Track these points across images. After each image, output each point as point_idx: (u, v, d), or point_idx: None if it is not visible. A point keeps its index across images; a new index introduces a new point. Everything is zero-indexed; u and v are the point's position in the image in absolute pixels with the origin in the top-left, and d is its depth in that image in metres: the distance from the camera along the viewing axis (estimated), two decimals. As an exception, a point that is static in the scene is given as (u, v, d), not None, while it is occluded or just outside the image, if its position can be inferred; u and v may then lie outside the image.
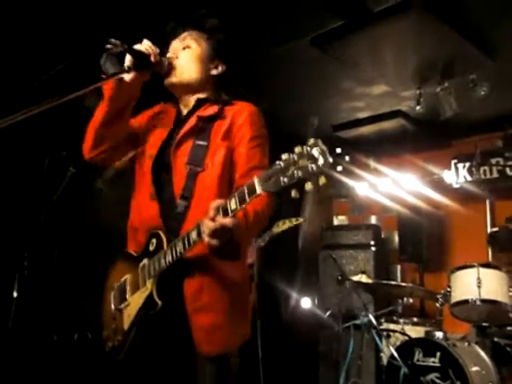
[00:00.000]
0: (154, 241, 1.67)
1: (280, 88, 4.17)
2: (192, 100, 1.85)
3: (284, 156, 1.31)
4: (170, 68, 1.79)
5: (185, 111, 1.86)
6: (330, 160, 1.27)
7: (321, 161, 1.25)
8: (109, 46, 1.64)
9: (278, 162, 1.31)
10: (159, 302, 1.58)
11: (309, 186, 1.28)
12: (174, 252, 1.57)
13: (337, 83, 4.20)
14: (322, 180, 1.27)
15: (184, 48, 1.84)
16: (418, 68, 3.86)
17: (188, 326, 1.60)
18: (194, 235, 1.51)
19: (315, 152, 1.26)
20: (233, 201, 1.42)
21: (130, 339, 1.66)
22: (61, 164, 3.20)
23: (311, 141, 1.28)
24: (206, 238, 1.46)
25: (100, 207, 3.87)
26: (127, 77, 1.70)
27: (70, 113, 2.77)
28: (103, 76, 1.65)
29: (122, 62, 1.67)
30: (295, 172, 1.27)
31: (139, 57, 1.70)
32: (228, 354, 1.65)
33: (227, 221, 1.43)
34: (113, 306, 1.77)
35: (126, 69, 1.68)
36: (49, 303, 3.51)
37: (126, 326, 1.69)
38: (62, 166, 3.15)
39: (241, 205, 1.40)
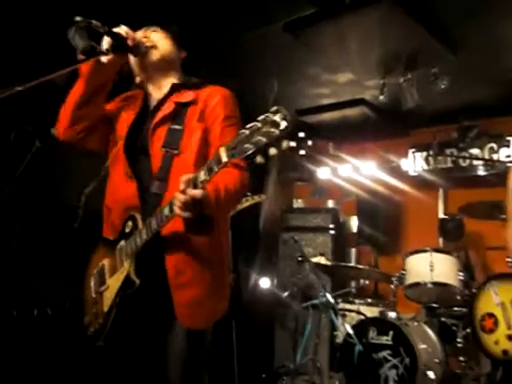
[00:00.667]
0: (130, 223, 1.70)
1: (249, 72, 4.20)
2: (166, 84, 1.87)
3: (248, 125, 1.37)
4: (147, 50, 1.82)
5: (157, 95, 1.88)
6: (292, 124, 1.33)
7: (283, 125, 1.31)
8: (77, 19, 1.65)
9: (242, 131, 1.37)
10: (137, 281, 1.62)
11: (273, 151, 1.34)
12: (148, 230, 1.61)
13: (304, 69, 4.26)
14: (285, 144, 1.34)
15: (152, 31, 1.87)
16: (382, 59, 3.97)
17: (170, 302, 1.65)
18: (166, 211, 1.56)
19: (277, 117, 1.32)
20: (202, 172, 1.47)
21: (111, 321, 1.69)
22: (27, 138, 3.15)
23: (273, 108, 1.34)
24: (177, 211, 1.50)
25: (66, 182, 3.83)
26: (105, 59, 1.72)
27: (37, 87, 2.72)
28: (82, 57, 1.66)
29: (91, 36, 1.68)
30: (259, 138, 1.33)
31: (117, 39, 1.73)
32: (207, 328, 1.72)
33: (197, 192, 1.48)
34: (93, 291, 1.80)
35: (105, 51, 1.70)
36: (8, 278, 3.47)
37: (105, 308, 1.72)
38: (28, 141, 3.10)
39: (209, 175, 1.46)
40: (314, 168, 5.87)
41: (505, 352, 2.14)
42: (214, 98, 1.81)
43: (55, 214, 3.73)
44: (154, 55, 1.83)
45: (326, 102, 5.02)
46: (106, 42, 1.72)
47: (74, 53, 1.68)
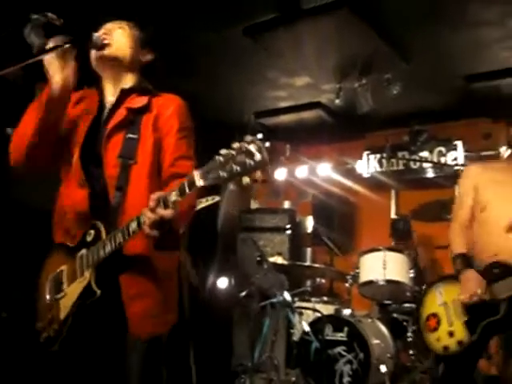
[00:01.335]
0: (93, 232, 1.69)
1: (209, 74, 4.24)
2: (119, 85, 1.86)
3: (223, 151, 1.38)
4: (104, 44, 1.81)
5: (110, 97, 1.86)
6: (267, 157, 1.35)
7: (258, 157, 1.33)
8: (33, 16, 1.64)
9: (217, 157, 1.38)
10: (98, 291, 1.62)
11: (246, 180, 1.37)
12: (113, 243, 1.61)
13: (263, 72, 4.34)
14: (258, 174, 1.37)
15: (118, 28, 1.86)
16: (339, 64, 4.10)
17: (123, 313, 1.65)
18: (133, 226, 1.56)
19: (253, 148, 1.34)
20: (173, 193, 1.48)
21: (66, 329, 1.67)
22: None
23: (249, 138, 1.36)
24: (146, 229, 1.51)
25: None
26: (57, 90, 1.68)
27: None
28: (38, 54, 1.65)
29: (47, 33, 1.66)
30: (234, 167, 1.34)
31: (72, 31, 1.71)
32: (159, 337, 1.73)
33: (167, 212, 1.48)
34: (48, 297, 1.76)
35: (60, 43, 1.67)
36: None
37: (62, 315, 1.70)
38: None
39: (181, 196, 1.47)
40: (271, 169, 5.96)
41: (445, 348, 2.26)
42: (169, 108, 1.81)
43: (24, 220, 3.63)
44: (108, 52, 1.81)
45: (283, 104, 5.12)
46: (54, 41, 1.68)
47: (30, 49, 1.66)
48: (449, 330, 2.28)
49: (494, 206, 2.33)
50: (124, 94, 1.85)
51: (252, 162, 1.33)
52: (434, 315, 2.36)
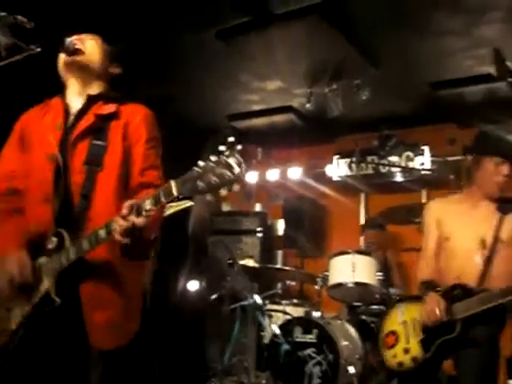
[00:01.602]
0: (55, 239, 1.65)
1: (183, 77, 4.23)
2: (84, 93, 1.84)
3: (201, 163, 1.38)
4: (76, 50, 1.80)
5: (76, 104, 1.84)
6: (245, 170, 1.36)
7: (237, 170, 1.34)
8: (1, 14, 1.62)
9: (195, 168, 1.38)
10: (57, 300, 1.59)
11: (223, 192, 1.37)
12: (78, 250, 1.59)
13: (235, 76, 4.36)
14: (236, 187, 1.37)
15: (90, 39, 1.87)
16: (309, 69, 4.16)
17: (82, 324, 1.62)
18: (102, 233, 1.54)
19: (232, 161, 1.35)
20: (147, 201, 1.47)
21: (18, 338, 1.63)
22: None
23: (228, 151, 1.37)
24: (118, 237, 1.49)
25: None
26: None
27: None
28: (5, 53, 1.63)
29: (16, 34, 1.65)
30: (212, 178, 1.35)
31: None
32: (119, 349, 1.69)
33: (140, 220, 1.47)
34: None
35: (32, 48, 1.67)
36: None
37: (13, 325, 1.65)
38: None
39: (156, 205, 1.47)
40: (242, 172, 5.98)
41: (400, 364, 2.33)
42: (137, 117, 1.82)
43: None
44: (80, 59, 1.81)
45: (255, 108, 5.15)
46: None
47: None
48: (405, 347, 2.35)
49: (457, 235, 2.41)
50: (91, 101, 1.84)
51: (231, 175, 1.34)
52: (393, 333, 2.43)
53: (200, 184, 1.37)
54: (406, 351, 2.33)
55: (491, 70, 1.79)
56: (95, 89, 1.87)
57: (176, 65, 4.02)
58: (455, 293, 2.29)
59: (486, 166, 2.35)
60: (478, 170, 2.38)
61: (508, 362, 3.18)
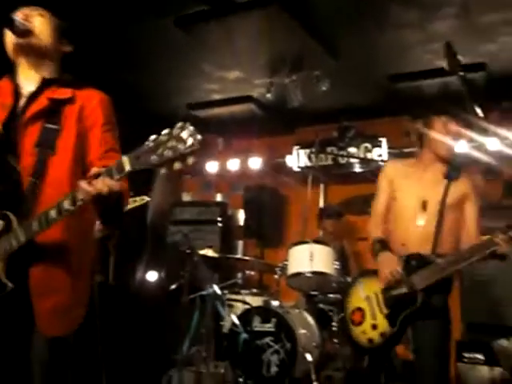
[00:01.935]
0: (1, 222, 1.60)
1: (142, 63, 4.17)
2: (38, 76, 1.79)
3: (153, 137, 1.36)
4: (26, 30, 1.73)
5: (27, 86, 1.78)
6: (199, 141, 1.34)
7: (189, 142, 1.33)
8: None
9: (146, 143, 1.36)
10: (9, 284, 1.55)
11: (177, 165, 1.35)
12: (28, 232, 1.55)
13: (196, 65, 4.32)
14: (190, 160, 1.36)
15: (38, 15, 1.79)
16: (270, 59, 4.16)
17: (30, 309, 1.59)
18: (53, 214, 1.49)
19: (184, 134, 1.33)
20: (100, 177, 1.44)
21: None
22: None
23: (180, 123, 1.35)
24: (86, 195, 1.44)
25: None
26: None
27: None
28: None
29: None
30: (165, 152, 1.33)
31: None
32: (67, 335, 1.67)
33: (115, 183, 1.43)
34: None
35: None
36: None
37: None
38: None
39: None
40: (202, 162, 5.95)
41: (370, 340, 2.37)
42: (93, 101, 1.77)
43: None
44: (29, 41, 1.74)
45: (216, 97, 5.12)
46: None
47: None
48: (372, 323, 2.38)
49: (403, 196, 2.47)
50: (45, 84, 1.78)
51: (183, 147, 1.33)
52: (359, 309, 2.45)
53: (153, 157, 1.35)
54: (374, 327, 2.36)
55: (443, 64, 1.84)
56: (48, 70, 1.81)
57: (136, 51, 3.94)
58: (412, 263, 2.33)
59: (435, 126, 2.43)
60: (427, 131, 2.46)
61: (457, 345, 3.30)
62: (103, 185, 1.43)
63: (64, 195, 1.52)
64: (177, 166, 1.36)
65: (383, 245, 2.44)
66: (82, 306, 1.72)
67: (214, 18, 3.40)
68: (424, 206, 2.38)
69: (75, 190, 1.49)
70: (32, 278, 1.60)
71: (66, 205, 1.50)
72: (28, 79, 1.79)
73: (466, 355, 3.09)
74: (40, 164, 1.66)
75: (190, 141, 1.33)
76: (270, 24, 3.48)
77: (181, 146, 1.33)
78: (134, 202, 3.89)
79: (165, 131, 1.36)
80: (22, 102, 1.76)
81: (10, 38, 1.76)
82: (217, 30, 3.56)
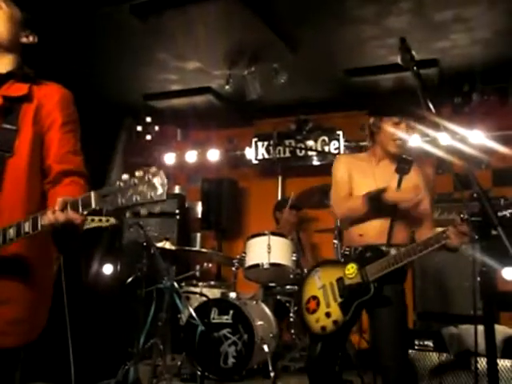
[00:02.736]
0: None
1: (98, 52, 4.06)
2: None
3: (124, 177, 1.33)
4: None
5: None
6: (165, 193, 1.31)
7: (159, 191, 1.30)
8: None
9: (118, 182, 1.33)
10: None
11: (144, 212, 1.36)
12: None
13: (153, 54, 4.24)
14: (157, 208, 1.36)
15: None
16: (228, 50, 4.13)
17: None
18: (11, 233, 1.47)
19: (156, 181, 1.31)
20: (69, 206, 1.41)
21: None
22: None
23: (153, 169, 1.32)
24: (52, 223, 1.42)
25: None
26: None
27: None
28: None
29: None
30: (134, 196, 1.31)
31: None
32: (18, 347, 1.61)
33: (77, 216, 1.41)
34: None
35: None
36: None
37: None
38: None
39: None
40: (160, 153, 5.88)
41: (323, 328, 2.42)
42: (52, 99, 1.69)
43: None
44: None
45: (174, 88, 5.06)
46: None
47: None
48: (326, 311, 2.43)
49: (359, 192, 2.52)
50: (1, 80, 1.69)
51: (153, 195, 1.30)
52: (314, 297, 2.49)
53: (121, 200, 1.32)
54: (328, 315, 2.41)
55: (398, 59, 1.88)
56: (5, 65, 1.72)
57: (91, 39, 3.83)
58: (367, 255, 2.40)
59: (385, 127, 2.49)
60: (379, 130, 2.52)
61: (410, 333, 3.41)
62: (67, 218, 1.41)
63: (25, 216, 1.48)
64: (142, 211, 1.35)
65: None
66: (42, 316, 1.67)
67: (171, 7, 3.34)
68: None
69: (38, 213, 1.45)
70: None
71: (27, 227, 1.47)
72: None
73: (417, 342, 3.20)
74: None
75: (160, 190, 1.30)
76: (229, 15, 3.45)
77: (150, 193, 1.31)
78: (98, 222, 3.60)
79: (138, 173, 1.33)
80: None
81: None
82: (174, 19, 3.51)
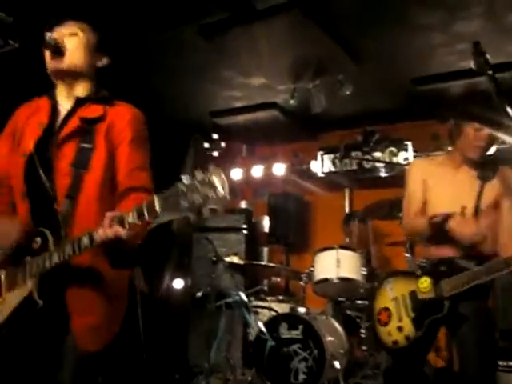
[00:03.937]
0: (39, 240, 1.64)
1: (165, 73, 4.21)
2: (73, 94, 1.83)
3: (186, 180, 1.36)
4: (59, 47, 1.77)
5: (65, 104, 1.83)
6: (228, 191, 1.33)
7: (220, 191, 1.32)
8: None
9: (179, 185, 1.35)
10: (40, 302, 1.58)
11: (206, 212, 1.35)
12: (61, 254, 1.57)
13: (218, 72, 4.34)
14: (220, 208, 1.37)
15: (70, 35, 1.82)
16: (292, 65, 4.15)
17: (67, 327, 1.62)
18: (85, 241, 1.52)
19: (217, 182, 1.32)
20: (130, 214, 1.45)
21: (2, 334, 1.62)
22: None
23: (213, 169, 1.35)
24: (99, 241, 1.48)
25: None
26: None
27: None
28: None
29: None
30: (196, 198, 1.32)
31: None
32: (98, 351, 1.69)
33: (122, 232, 1.46)
34: None
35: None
36: None
37: (1, 318, 1.63)
38: None
39: (138, 219, 1.44)
40: (227, 169, 5.97)
41: (394, 342, 2.33)
42: (123, 119, 1.80)
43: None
44: (62, 65, 1.79)
45: (239, 104, 5.13)
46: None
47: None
48: (398, 325, 2.35)
49: (438, 200, 2.40)
50: (78, 104, 1.82)
51: (214, 196, 1.31)
52: (386, 309, 2.42)
53: (183, 202, 1.34)
54: (400, 329, 2.33)
55: (471, 64, 1.80)
56: (82, 89, 1.85)
57: (158, 61, 3.98)
58: (441, 269, 2.28)
59: (466, 132, 2.38)
60: (459, 135, 2.40)
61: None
62: (115, 234, 1.46)
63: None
64: (205, 213, 1.37)
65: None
66: (115, 324, 1.74)
67: (237, 26, 3.42)
68: (463, 211, 2.29)
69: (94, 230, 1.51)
70: (68, 297, 1.64)
71: (85, 241, 1.54)
72: (65, 98, 1.85)
73: (500, 363, 3.01)
74: (75, 183, 1.69)
75: (221, 190, 1.32)
76: (292, 29, 3.47)
77: (212, 194, 1.32)
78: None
79: (198, 175, 1.35)
80: (59, 121, 1.81)
81: (47, 58, 1.81)
82: (239, 37, 3.58)
